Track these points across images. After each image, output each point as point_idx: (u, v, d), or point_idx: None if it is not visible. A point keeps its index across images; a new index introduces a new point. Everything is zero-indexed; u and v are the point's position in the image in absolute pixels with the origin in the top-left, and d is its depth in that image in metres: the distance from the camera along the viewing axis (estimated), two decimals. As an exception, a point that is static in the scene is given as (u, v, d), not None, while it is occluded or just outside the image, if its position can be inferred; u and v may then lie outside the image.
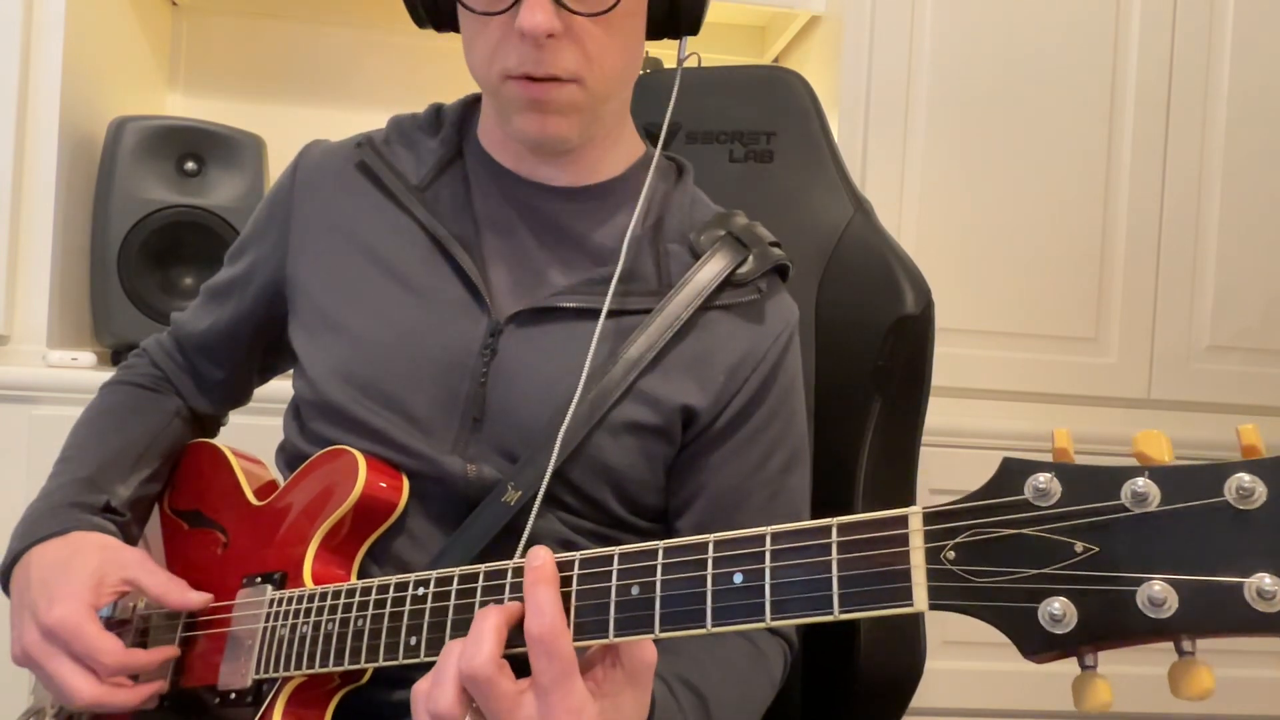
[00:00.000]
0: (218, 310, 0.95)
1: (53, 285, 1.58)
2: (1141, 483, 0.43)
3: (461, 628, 0.62)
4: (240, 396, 1.01)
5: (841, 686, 1.00)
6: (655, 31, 0.84)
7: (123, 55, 1.82)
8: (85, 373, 1.50)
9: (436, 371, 0.80)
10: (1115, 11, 1.78)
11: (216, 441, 0.95)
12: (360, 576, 0.78)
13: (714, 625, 0.54)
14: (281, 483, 0.85)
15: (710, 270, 0.82)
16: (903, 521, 0.49)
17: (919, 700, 1.00)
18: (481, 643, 0.57)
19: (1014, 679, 1.71)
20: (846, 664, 0.99)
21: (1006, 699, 1.72)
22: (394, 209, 0.86)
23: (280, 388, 0.95)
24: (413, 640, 0.64)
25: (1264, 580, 0.40)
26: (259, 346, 0.95)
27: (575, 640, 0.58)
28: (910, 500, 1.05)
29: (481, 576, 0.63)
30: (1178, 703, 0.43)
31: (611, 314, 0.80)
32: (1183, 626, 0.42)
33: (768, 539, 0.53)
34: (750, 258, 0.83)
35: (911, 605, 0.48)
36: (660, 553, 0.57)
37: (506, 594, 0.61)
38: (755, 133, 1.15)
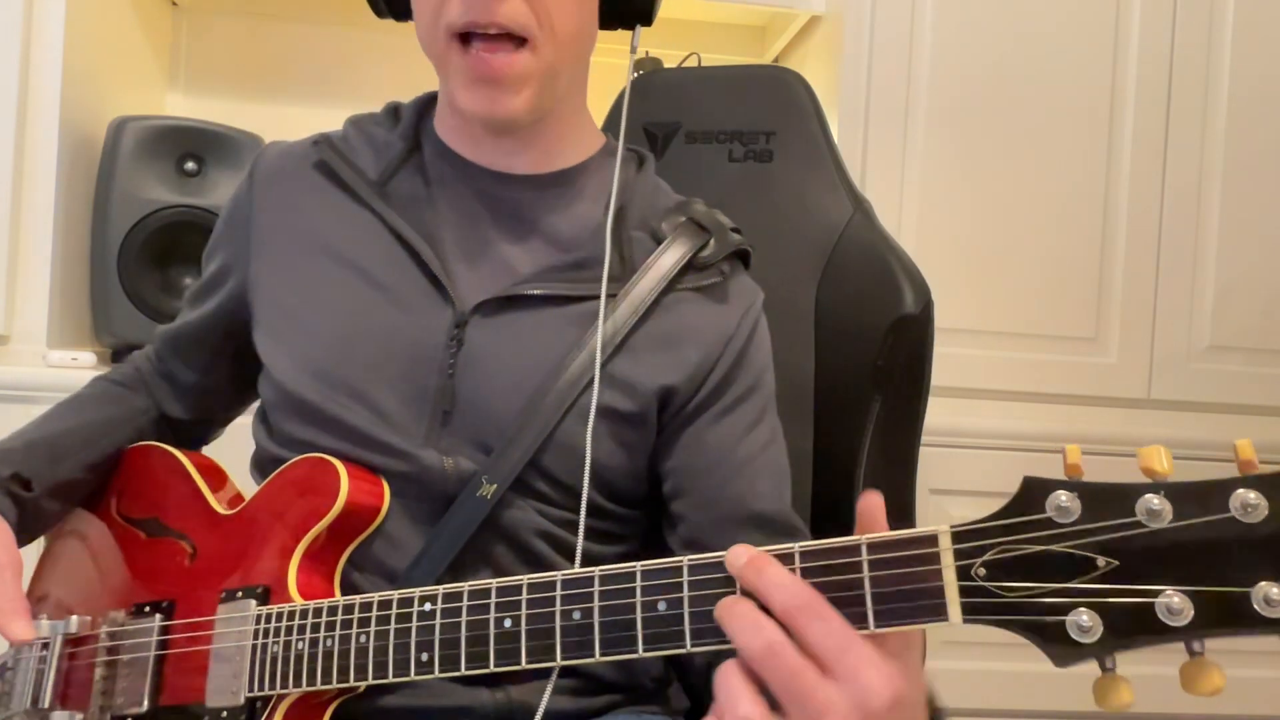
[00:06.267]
0: (192, 312, 0.95)
1: (53, 285, 1.59)
2: (1155, 500, 0.47)
3: (477, 643, 0.63)
4: (214, 405, 0.99)
5: (841, 686, 1.00)
6: (608, 18, 0.84)
7: (123, 55, 1.82)
8: (85, 373, 1.49)
9: (403, 365, 0.79)
10: (1115, 11, 1.78)
11: (167, 445, 0.91)
12: (340, 582, 0.77)
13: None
14: (251, 490, 0.83)
15: (673, 255, 0.83)
16: (933, 540, 0.51)
17: (919, 700, 0.99)
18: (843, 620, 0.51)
19: (1014, 679, 1.71)
20: (846, 664, 0.99)
21: (1006, 699, 1.72)
22: (353, 205, 0.85)
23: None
24: (424, 656, 0.65)
25: (1271, 589, 0.45)
26: (228, 350, 0.94)
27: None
28: (910, 501, 1.05)
29: (494, 592, 0.63)
30: (1183, 701, 0.45)
31: (576, 300, 0.80)
32: (1197, 632, 0.46)
33: (796, 556, 0.54)
34: (711, 241, 0.84)
35: (946, 619, 0.50)
36: (686, 569, 0.57)
37: (524, 609, 0.61)
38: (755, 132, 1.15)
